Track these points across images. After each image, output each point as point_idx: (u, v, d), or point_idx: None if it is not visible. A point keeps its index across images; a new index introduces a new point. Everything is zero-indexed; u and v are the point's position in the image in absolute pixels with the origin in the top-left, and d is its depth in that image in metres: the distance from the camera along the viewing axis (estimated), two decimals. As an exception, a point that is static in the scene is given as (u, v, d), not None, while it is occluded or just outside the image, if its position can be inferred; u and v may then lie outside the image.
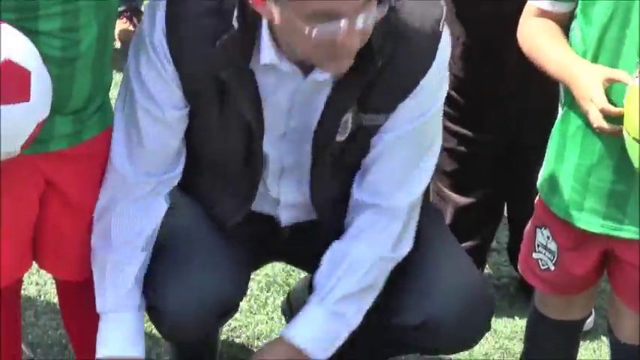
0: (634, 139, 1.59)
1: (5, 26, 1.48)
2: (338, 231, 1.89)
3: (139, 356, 1.78)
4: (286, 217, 1.93)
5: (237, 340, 2.14)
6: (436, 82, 1.77)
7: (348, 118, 1.74)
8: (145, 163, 1.74)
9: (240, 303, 2.00)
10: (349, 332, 1.79)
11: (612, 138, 1.71)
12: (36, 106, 1.45)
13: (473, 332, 1.94)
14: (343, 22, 1.50)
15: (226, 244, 1.84)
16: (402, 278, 1.86)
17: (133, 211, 1.79)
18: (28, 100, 1.44)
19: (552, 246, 1.88)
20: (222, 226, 1.91)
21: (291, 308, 2.28)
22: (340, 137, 1.75)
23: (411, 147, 1.81)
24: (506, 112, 2.14)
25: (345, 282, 1.78)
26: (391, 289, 1.85)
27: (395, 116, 1.77)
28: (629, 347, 1.93)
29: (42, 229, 1.78)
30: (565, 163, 1.82)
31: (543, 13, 1.87)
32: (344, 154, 1.80)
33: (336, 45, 1.53)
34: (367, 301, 1.81)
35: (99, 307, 1.77)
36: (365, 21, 1.54)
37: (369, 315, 1.82)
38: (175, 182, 1.82)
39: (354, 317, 1.79)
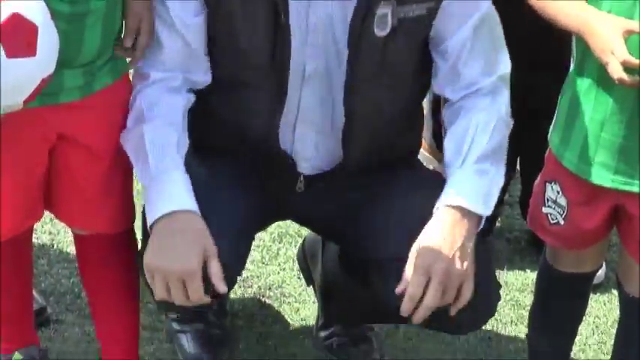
0: None
1: None
2: (359, 185, 1.86)
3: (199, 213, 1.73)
4: (304, 158, 1.88)
5: (248, 291, 2.13)
6: None
7: (387, 12, 1.72)
8: (168, 63, 1.75)
9: (253, 253, 2.03)
10: (498, 190, 1.80)
11: (625, 93, 1.69)
12: (41, 61, 1.44)
13: (479, 315, 1.92)
14: None
15: (233, 207, 1.78)
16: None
17: (165, 96, 1.78)
18: (34, 55, 1.42)
19: (562, 201, 1.84)
20: (241, 169, 1.84)
21: (306, 257, 2.26)
22: (380, 32, 1.73)
23: (485, 40, 1.82)
24: (517, 65, 2.04)
25: (477, 145, 1.78)
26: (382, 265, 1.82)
27: (441, 15, 1.76)
28: (638, 301, 1.91)
29: (57, 180, 1.76)
30: (577, 117, 1.80)
31: None
32: (386, 57, 1.78)
33: None
34: (501, 163, 1.83)
35: (143, 179, 1.73)
36: None
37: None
38: (203, 86, 1.81)
39: (496, 175, 1.79)
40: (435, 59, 1.82)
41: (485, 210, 1.73)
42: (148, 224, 1.64)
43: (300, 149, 1.83)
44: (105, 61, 1.67)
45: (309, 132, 1.83)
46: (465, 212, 1.69)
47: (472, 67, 1.80)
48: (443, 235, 1.67)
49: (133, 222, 1.84)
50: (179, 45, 1.74)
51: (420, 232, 1.69)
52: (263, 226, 2.07)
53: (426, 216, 1.71)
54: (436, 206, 1.68)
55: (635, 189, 1.72)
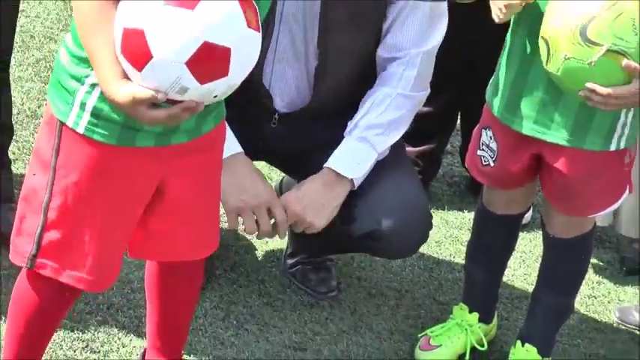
0: (541, 37, 1.74)
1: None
2: (322, 127, 2.00)
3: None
4: (280, 97, 2.02)
5: (224, 225, 2.14)
6: None
7: None
8: None
9: None
10: (376, 158, 1.97)
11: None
12: (232, 78, 1.46)
13: (412, 243, 2.11)
14: None
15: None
16: (358, 194, 2.01)
17: None
18: (226, 75, 1.44)
19: (493, 145, 1.99)
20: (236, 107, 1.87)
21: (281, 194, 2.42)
22: None
23: (425, 7, 1.98)
24: (462, 32, 2.20)
25: (369, 115, 1.97)
26: (349, 203, 2.00)
27: None
28: (557, 240, 2.08)
29: (163, 218, 1.71)
30: (507, 73, 1.95)
31: None
32: (357, 8, 1.94)
33: None
34: (392, 136, 2.01)
35: None
36: None
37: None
38: None
39: (378, 144, 1.97)
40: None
41: (355, 173, 1.95)
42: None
43: (277, 85, 1.98)
44: (215, 106, 1.66)
45: (286, 69, 1.98)
46: (337, 175, 1.93)
47: (404, 29, 1.98)
48: (321, 188, 1.95)
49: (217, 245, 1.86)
50: None
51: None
52: None
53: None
54: (326, 164, 1.93)
55: (550, 139, 1.87)
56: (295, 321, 2.23)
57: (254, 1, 1.49)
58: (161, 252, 1.73)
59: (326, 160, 1.99)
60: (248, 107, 2.00)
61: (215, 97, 1.43)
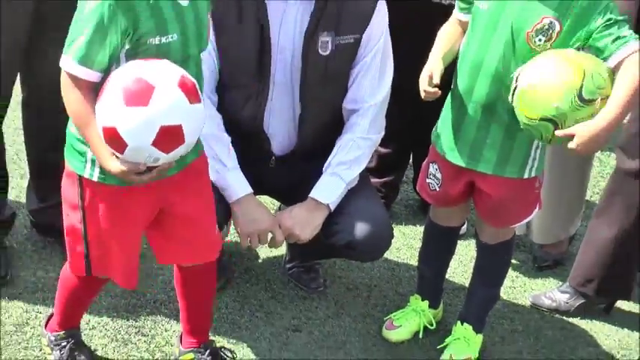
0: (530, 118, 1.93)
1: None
2: (309, 166, 2.27)
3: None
4: (276, 142, 2.32)
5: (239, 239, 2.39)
6: (382, 16, 2.23)
7: (328, 38, 2.20)
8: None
9: None
10: (345, 187, 2.28)
11: (476, 106, 2.16)
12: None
13: (378, 250, 2.39)
14: None
15: None
16: (338, 214, 2.28)
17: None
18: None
19: (438, 175, 2.27)
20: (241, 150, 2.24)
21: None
22: (323, 52, 2.19)
23: (375, 68, 2.28)
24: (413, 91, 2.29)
25: (338, 156, 2.27)
26: (331, 221, 2.26)
27: (362, 45, 2.23)
28: (486, 245, 2.36)
29: (171, 232, 2.01)
30: (447, 118, 2.24)
31: (456, 20, 2.23)
32: (327, 69, 2.23)
33: None
34: (356, 169, 2.31)
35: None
36: None
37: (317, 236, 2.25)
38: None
39: (345, 176, 2.29)
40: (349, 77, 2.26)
41: (330, 199, 2.25)
42: (231, 200, 2.19)
43: (273, 131, 2.26)
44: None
45: (278, 120, 2.26)
46: (318, 203, 2.23)
47: (363, 88, 2.27)
48: (307, 212, 2.24)
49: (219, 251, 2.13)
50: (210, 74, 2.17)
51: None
52: None
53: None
54: (310, 195, 2.23)
55: (479, 169, 2.14)
56: (293, 309, 2.51)
57: (190, 77, 1.73)
58: (177, 256, 2.05)
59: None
60: (252, 154, 2.28)
61: (181, 155, 1.75)
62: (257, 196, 2.34)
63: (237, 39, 2.15)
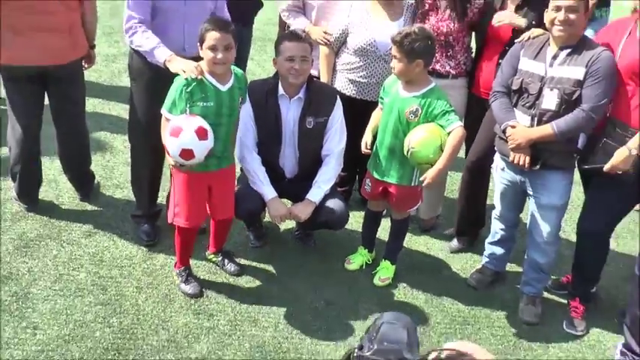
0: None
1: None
2: (309, 184, 3.43)
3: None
4: (287, 171, 3.49)
5: (267, 217, 3.84)
6: (338, 106, 3.40)
7: (312, 119, 3.34)
8: (249, 139, 3.36)
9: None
10: (324, 193, 3.40)
11: (383, 136, 3.31)
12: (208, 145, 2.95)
13: (341, 224, 3.58)
14: (296, 60, 3.20)
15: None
16: (320, 206, 3.37)
17: (251, 154, 3.43)
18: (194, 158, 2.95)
19: (369, 184, 3.56)
20: (268, 174, 3.39)
21: None
22: (309, 126, 3.34)
23: (337, 132, 3.41)
24: (357, 146, 3.49)
25: (320, 177, 3.42)
26: (317, 209, 3.37)
27: (329, 121, 3.36)
28: (395, 221, 3.65)
29: (213, 200, 3.25)
30: (373, 156, 3.43)
31: (379, 108, 3.42)
32: (311, 135, 3.33)
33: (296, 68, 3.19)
34: (328, 184, 3.42)
35: (255, 185, 3.43)
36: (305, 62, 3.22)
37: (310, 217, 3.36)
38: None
39: (324, 187, 3.42)
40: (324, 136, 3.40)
41: (316, 199, 3.38)
42: (266, 198, 3.38)
43: (284, 165, 3.49)
44: (227, 156, 3.22)
45: (288, 160, 3.48)
46: (310, 201, 3.36)
47: (331, 142, 3.43)
48: (304, 205, 3.35)
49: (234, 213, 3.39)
50: (252, 135, 3.46)
51: (325, 201, 3.39)
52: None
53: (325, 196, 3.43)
54: (306, 196, 3.33)
55: (388, 180, 3.38)
56: (295, 255, 3.88)
57: (205, 126, 2.84)
58: (217, 214, 3.33)
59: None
60: (275, 176, 3.45)
61: (196, 163, 2.90)
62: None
63: (264, 121, 3.41)
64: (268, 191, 3.41)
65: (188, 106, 2.98)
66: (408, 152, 3.17)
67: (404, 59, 3.19)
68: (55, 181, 4.40)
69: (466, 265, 4.10)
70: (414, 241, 4.26)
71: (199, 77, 2.99)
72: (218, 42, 2.98)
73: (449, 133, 3.20)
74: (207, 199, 3.28)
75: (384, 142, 3.39)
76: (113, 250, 3.75)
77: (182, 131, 2.86)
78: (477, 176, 3.78)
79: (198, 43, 3.03)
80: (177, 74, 3.09)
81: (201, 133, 2.88)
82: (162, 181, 3.94)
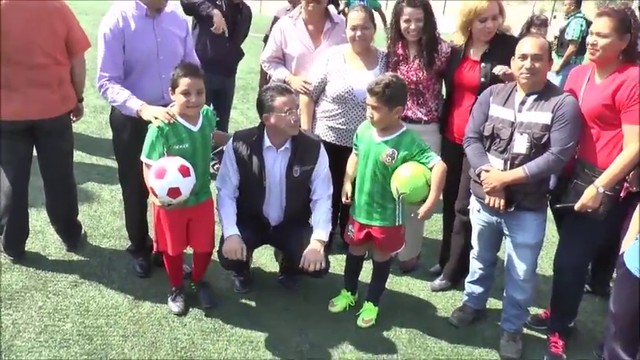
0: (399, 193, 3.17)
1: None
2: (294, 229, 3.49)
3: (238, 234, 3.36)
4: (272, 219, 3.53)
5: (255, 263, 4.02)
6: (324, 155, 3.43)
7: (298, 168, 3.37)
8: (228, 188, 3.41)
9: (260, 250, 3.99)
10: (328, 232, 3.43)
11: (362, 182, 3.36)
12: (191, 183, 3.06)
13: (322, 273, 3.51)
14: (294, 112, 3.27)
15: (249, 234, 3.45)
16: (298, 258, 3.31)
17: (228, 198, 3.47)
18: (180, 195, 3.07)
19: (352, 228, 3.57)
20: (252, 223, 3.44)
21: (277, 252, 4.13)
22: (296, 175, 3.36)
23: (326, 179, 3.47)
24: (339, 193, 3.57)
25: (319, 219, 3.46)
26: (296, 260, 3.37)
27: (315, 169, 3.40)
28: (377, 263, 3.64)
29: (193, 232, 3.38)
30: (355, 201, 3.49)
31: (354, 154, 3.49)
32: (298, 183, 3.37)
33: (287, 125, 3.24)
34: (329, 223, 3.47)
35: (223, 222, 3.42)
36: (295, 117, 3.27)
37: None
38: (236, 195, 3.44)
39: (327, 226, 3.46)
40: (311, 186, 3.49)
41: (325, 238, 3.39)
42: (225, 237, 3.34)
43: (269, 214, 3.53)
44: (205, 190, 3.34)
45: (272, 209, 3.51)
46: (319, 240, 3.36)
47: (320, 189, 3.49)
48: (314, 247, 3.34)
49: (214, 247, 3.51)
50: (231, 184, 3.48)
51: (307, 246, 3.35)
52: (258, 244, 3.85)
53: (307, 240, 3.41)
54: (312, 238, 3.36)
55: (373, 224, 3.41)
56: (283, 301, 3.81)
57: (186, 164, 2.97)
58: (196, 246, 3.42)
59: (292, 241, 3.51)
60: (260, 224, 3.53)
61: (183, 200, 3.03)
62: (262, 245, 3.74)
63: (248, 172, 3.44)
64: (230, 230, 3.44)
65: (165, 149, 3.13)
66: (399, 197, 3.26)
67: (384, 108, 3.28)
68: (42, 232, 4.42)
69: (447, 304, 4.12)
70: (396, 282, 4.28)
71: (172, 121, 3.13)
72: (190, 87, 3.14)
73: (430, 169, 3.29)
74: (187, 231, 3.42)
75: (363, 187, 3.45)
76: (99, 299, 3.74)
77: (166, 172, 2.98)
78: (468, 220, 3.79)
79: (170, 88, 3.18)
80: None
81: (184, 171, 3.02)
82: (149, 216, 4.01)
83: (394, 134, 3.37)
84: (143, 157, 3.17)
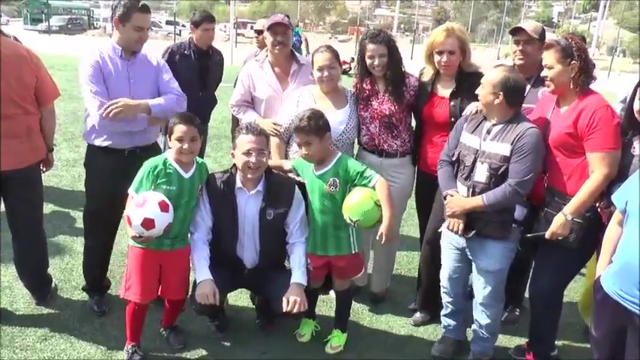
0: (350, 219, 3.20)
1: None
2: (271, 273, 3.41)
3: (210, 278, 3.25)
4: (247, 261, 3.41)
5: (232, 307, 3.87)
6: (298, 194, 3.37)
7: (272, 211, 3.30)
8: (201, 231, 3.31)
9: (237, 295, 3.84)
10: (305, 272, 3.35)
11: (319, 227, 3.39)
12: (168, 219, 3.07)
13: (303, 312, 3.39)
14: (253, 156, 3.19)
15: (223, 278, 3.35)
16: (274, 300, 3.29)
17: (201, 242, 3.36)
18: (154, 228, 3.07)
19: (311, 264, 3.53)
20: (227, 266, 3.30)
21: (253, 297, 3.98)
22: (269, 217, 3.30)
23: (302, 222, 3.42)
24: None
25: (298, 263, 3.40)
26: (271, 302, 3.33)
27: (290, 212, 3.34)
28: (338, 292, 3.67)
29: (165, 279, 3.30)
30: (310, 229, 3.49)
31: None
32: (272, 226, 3.31)
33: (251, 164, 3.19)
34: (305, 266, 3.40)
35: (194, 266, 3.29)
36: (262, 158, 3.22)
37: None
38: (209, 238, 3.33)
39: (305, 270, 3.39)
40: (286, 229, 3.41)
41: (304, 281, 3.31)
42: (197, 282, 3.20)
43: (244, 256, 3.40)
44: (181, 238, 3.28)
45: (247, 252, 3.38)
46: (298, 284, 3.30)
47: (296, 233, 3.44)
48: (294, 290, 3.26)
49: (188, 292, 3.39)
50: (205, 226, 3.38)
51: (286, 291, 3.25)
52: (233, 288, 3.71)
53: (286, 285, 3.32)
54: (291, 282, 3.27)
55: (329, 253, 3.44)
56: (257, 340, 3.74)
57: (166, 200, 3.01)
58: (168, 294, 3.35)
59: (268, 286, 3.43)
60: (234, 267, 3.38)
61: (155, 234, 3.02)
62: (238, 289, 3.63)
63: (221, 213, 3.37)
64: (203, 274, 3.34)
65: (153, 187, 3.19)
66: (354, 225, 3.26)
67: (315, 138, 3.33)
68: (10, 288, 4.22)
69: (430, 336, 4.05)
70: (376, 320, 4.22)
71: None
72: (185, 134, 3.23)
73: (373, 187, 3.31)
74: (159, 278, 3.35)
75: (316, 222, 3.47)
76: (70, 352, 3.55)
77: (146, 201, 3.04)
78: (437, 250, 3.74)
79: (167, 135, 3.28)
80: (126, 161, 3.47)
81: (163, 206, 3.07)
82: (112, 258, 4.04)
83: (331, 163, 3.40)
84: (131, 191, 3.23)
